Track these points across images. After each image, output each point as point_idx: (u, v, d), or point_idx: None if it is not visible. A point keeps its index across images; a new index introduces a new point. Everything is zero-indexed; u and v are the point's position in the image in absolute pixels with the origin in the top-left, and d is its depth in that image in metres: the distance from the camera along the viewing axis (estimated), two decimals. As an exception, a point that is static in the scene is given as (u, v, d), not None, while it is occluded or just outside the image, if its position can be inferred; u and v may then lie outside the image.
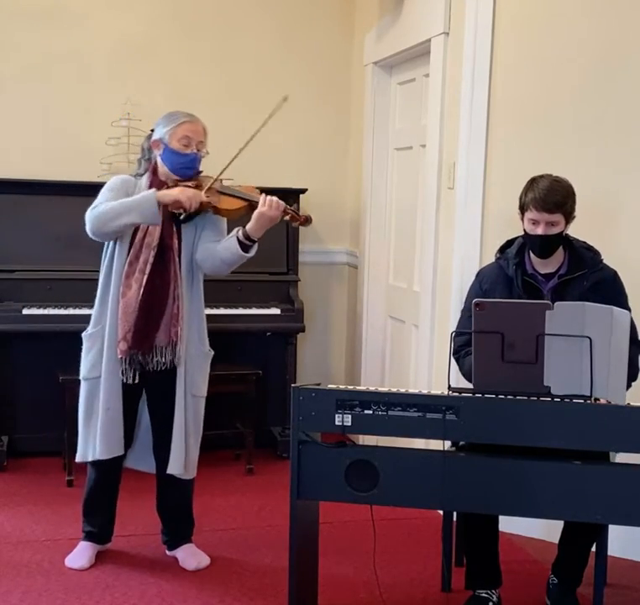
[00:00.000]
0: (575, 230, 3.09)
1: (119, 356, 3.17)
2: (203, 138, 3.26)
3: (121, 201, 3.12)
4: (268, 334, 4.64)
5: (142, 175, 3.29)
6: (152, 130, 3.29)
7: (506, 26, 3.64)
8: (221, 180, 3.31)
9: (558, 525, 3.09)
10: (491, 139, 3.71)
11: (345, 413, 2.68)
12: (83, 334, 3.28)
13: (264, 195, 3.20)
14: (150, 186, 3.21)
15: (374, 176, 4.81)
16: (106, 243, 3.23)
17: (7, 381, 4.49)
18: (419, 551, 3.57)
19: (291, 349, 4.65)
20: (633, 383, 2.91)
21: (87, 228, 3.15)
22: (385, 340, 4.83)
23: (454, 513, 3.25)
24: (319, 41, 5.04)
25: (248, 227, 3.17)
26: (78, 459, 3.32)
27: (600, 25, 3.45)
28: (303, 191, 4.79)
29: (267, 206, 3.15)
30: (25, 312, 4.27)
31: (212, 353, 3.38)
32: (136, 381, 3.20)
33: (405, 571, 3.39)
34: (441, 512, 3.39)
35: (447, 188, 3.96)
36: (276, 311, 4.58)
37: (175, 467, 3.26)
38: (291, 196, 4.74)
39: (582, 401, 2.60)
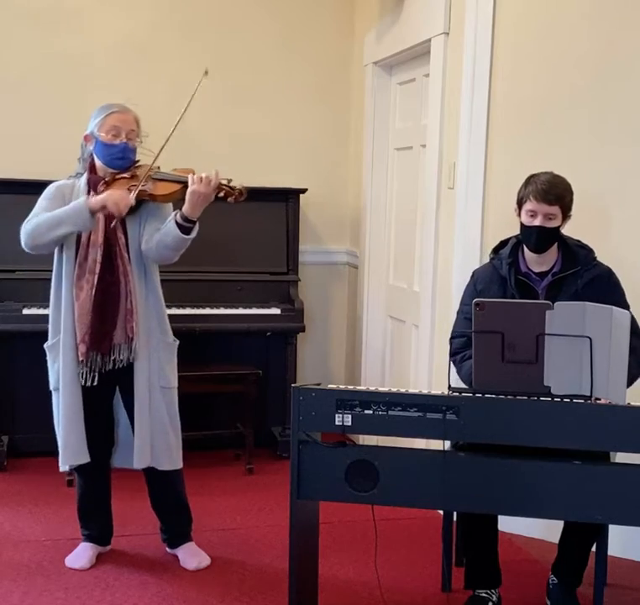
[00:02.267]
0: (573, 229, 3.09)
1: (80, 359, 3.15)
2: (135, 127, 3.20)
3: (53, 213, 3.10)
4: (268, 334, 4.64)
5: (82, 173, 3.26)
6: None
7: (506, 26, 3.64)
8: (158, 167, 3.23)
9: (558, 525, 3.09)
10: (491, 139, 3.71)
11: (345, 413, 2.68)
12: (45, 346, 3.26)
13: (191, 175, 3.10)
14: (88, 184, 3.19)
15: (374, 176, 4.81)
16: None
17: (8, 380, 4.49)
18: (419, 551, 3.57)
19: (291, 349, 4.65)
20: (633, 383, 2.90)
21: (22, 243, 3.15)
22: (385, 340, 4.83)
23: (454, 513, 3.25)
24: (319, 41, 5.04)
25: (183, 208, 3.09)
26: (60, 469, 3.30)
27: (600, 25, 3.45)
28: (303, 191, 4.80)
29: (196, 183, 3.06)
30: (25, 312, 4.27)
31: (177, 342, 3.34)
32: (95, 383, 3.17)
33: (405, 571, 3.39)
34: (441, 512, 3.40)
35: (447, 188, 3.96)
36: (276, 311, 4.57)
37: (139, 462, 3.24)
38: (291, 196, 4.75)
39: (582, 401, 2.60)
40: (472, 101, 3.73)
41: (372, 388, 2.78)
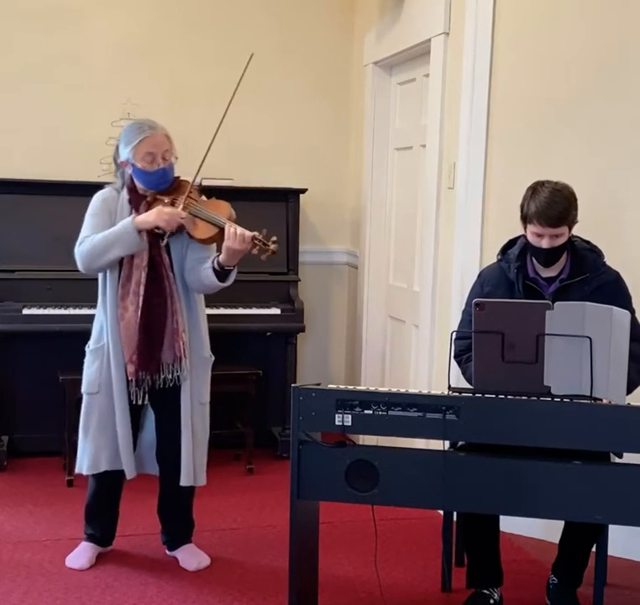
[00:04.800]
0: (578, 231, 3.08)
1: (129, 378, 3.16)
2: (168, 146, 3.17)
3: (103, 235, 3.10)
4: (268, 334, 4.64)
5: (122, 189, 3.25)
6: (119, 140, 3.22)
7: (506, 26, 3.64)
8: (197, 188, 3.24)
9: (558, 525, 3.09)
10: (491, 139, 3.71)
11: (345, 413, 2.68)
12: (86, 349, 3.27)
13: (228, 226, 3.09)
14: (130, 202, 3.19)
15: (374, 176, 4.81)
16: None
17: (7, 381, 4.49)
18: (419, 551, 3.57)
19: (291, 349, 4.65)
20: (633, 391, 2.89)
21: (79, 266, 3.17)
22: (385, 340, 4.83)
23: (454, 513, 3.25)
24: (319, 41, 5.04)
25: (220, 257, 3.11)
26: (76, 470, 3.33)
27: (599, 25, 3.45)
28: (303, 191, 4.80)
29: (231, 240, 3.07)
30: (25, 312, 4.27)
31: (213, 358, 3.37)
32: (146, 401, 3.21)
33: (405, 571, 3.39)
34: (441, 512, 3.40)
35: (447, 188, 3.96)
36: (276, 311, 4.57)
37: (186, 479, 3.26)
38: (291, 196, 4.75)
39: (582, 401, 2.60)
40: (472, 101, 3.73)
41: (372, 388, 2.78)
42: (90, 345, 3.26)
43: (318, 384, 2.80)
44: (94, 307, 3.31)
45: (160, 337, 3.16)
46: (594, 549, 3.04)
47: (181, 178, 3.25)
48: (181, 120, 4.84)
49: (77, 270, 4.27)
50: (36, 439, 4.50)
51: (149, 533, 3.60)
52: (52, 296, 4.33)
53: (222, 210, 3.20)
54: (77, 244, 3.16)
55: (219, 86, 4.93)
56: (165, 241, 3.13)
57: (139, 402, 3.20)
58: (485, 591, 3.05)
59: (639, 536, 3.38)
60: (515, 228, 3.13)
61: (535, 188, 2.95)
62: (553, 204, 2.89)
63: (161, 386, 3.19)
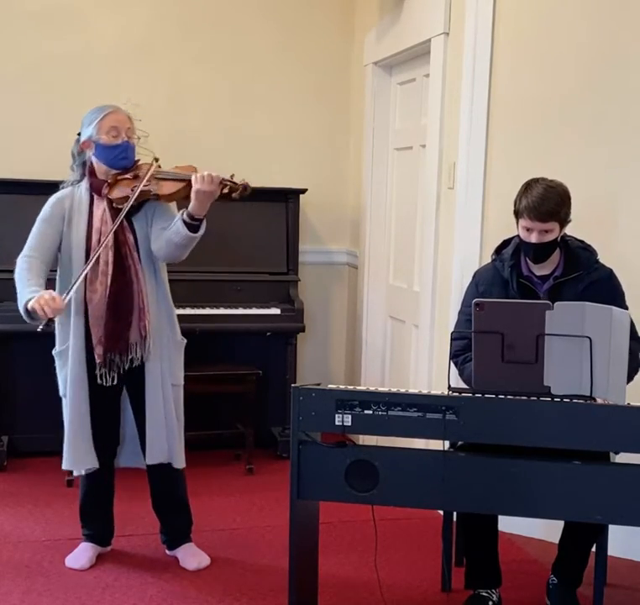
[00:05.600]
0: (574, 229, 3.09)
1: (98, 361, 3.17)
2: (130, 124, 3.22)
3: (23, 284, 3.07)
4: (268, 334, 4.64)
5: (80, 181, 3.26)
6: (79, 134, 3.26)
7: (506, 26, 3.64)
8: (159, 165, 3.23)
9: (558, 525, 3.09)
10: (491, 139, 3.71)
11: (345, 413, 2.68)
12: (54, 352, 3.27)
13: (194, 174, 3.08)
14: (91, 189, 3.21)
15: (374, 176, 4.81)
16: (58, 258, 3.22)
17: (7, 381, 4.49)
18: (419, 551, 3.57)
19: (291, 349, 4.65)
20: (634, 383, 2.90)
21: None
22: (385, 340, 4.83)
23: (454, 513, 3.25)
24: (319, 41, 5.04)
25: (190, 207, 3.09)
26: (64, 467, 3.33)
27: (599, 25, 3.45)
28: (303, 191, 4.80)
29: (199, 182, 3.04)
30: (25, 312, 4.27)
31: (185, 341, 3.37)
32: (115, 382, 3.20)
33: (405, 571, 3.39)
34: (441, 512, 3.40)
35: (447, 188, 3.96)
36: (276, 311, 4.57)
37: (151, 457, 3.26)
38: (291, 196, 4.75)
39: (582, 401, 2.60)
40: (472, 101, 3.73)
41: (372, 388, 2.78)
42: (57, 348, 3.26)
43: (318, 384, 2.80)
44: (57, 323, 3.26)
45: (128, 315, 3.17)
46: (594, 549, 3.04)
47: (142, 162, 3.25)
48: (181, 120, 4.86)
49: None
50: (36, 439, 4.50)
51: (149, 533, 3.61)
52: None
53: (187, 169, 3.20)
54: (21, 255, 3.16)
55: (219, 87, 4.96)
56: (41, 327, 3.02)
57: (108, 383, 3.19)
58: (484, 593, 3.05)
59: (639, 536, 3.38)
60: (514, 228, 3.14)
61: (529, 184, 2.99)
62: (545, 200, 2.92)
63: (129, 367, 3.20)
